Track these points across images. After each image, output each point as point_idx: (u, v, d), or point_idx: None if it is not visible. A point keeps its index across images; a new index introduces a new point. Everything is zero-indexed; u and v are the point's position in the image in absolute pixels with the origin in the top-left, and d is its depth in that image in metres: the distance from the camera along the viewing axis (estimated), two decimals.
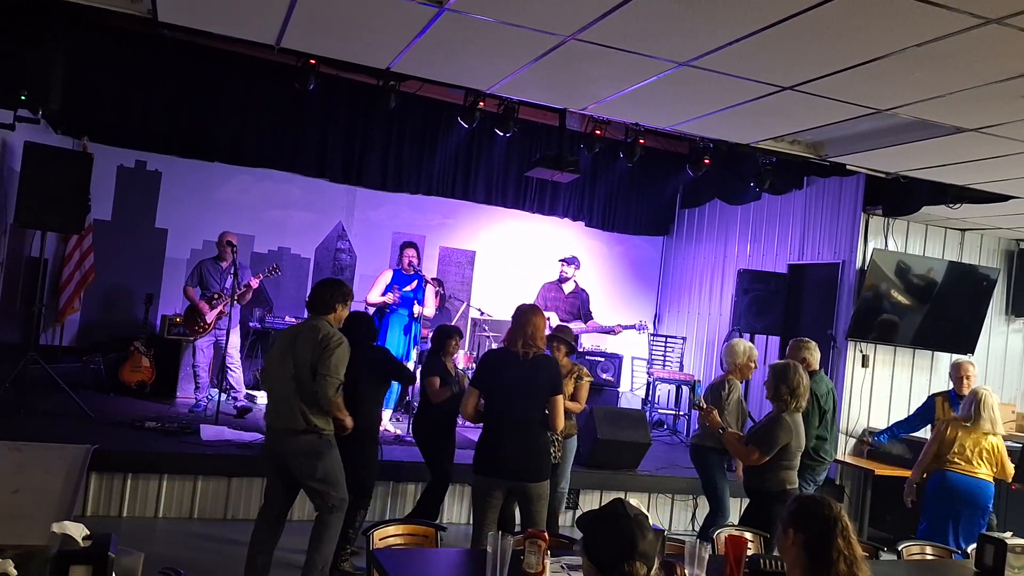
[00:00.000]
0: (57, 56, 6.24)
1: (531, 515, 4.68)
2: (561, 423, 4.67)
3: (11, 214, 6.91)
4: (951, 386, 6.70)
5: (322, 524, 4.60)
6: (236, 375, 8.04)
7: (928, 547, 4.58)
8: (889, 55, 4.06)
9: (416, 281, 8.04)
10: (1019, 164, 5.77)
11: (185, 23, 5.06)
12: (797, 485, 4.85)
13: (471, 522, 5.64)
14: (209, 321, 7.75)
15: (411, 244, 8.18)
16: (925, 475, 5.91)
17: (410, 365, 8.27)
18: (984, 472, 5.68)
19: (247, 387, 8.44)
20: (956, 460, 5.69)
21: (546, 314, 8.64)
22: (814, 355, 5.95)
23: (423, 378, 5.88)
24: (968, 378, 6.47)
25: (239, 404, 7.90)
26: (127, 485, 5.97)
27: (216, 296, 7.77)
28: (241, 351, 8.26)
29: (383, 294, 7.87)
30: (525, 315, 4.66)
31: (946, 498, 5.67)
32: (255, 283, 7.84)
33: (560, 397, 4.63)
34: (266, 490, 4.84)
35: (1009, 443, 7.57)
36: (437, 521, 6.23)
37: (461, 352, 8.01)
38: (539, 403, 4.60)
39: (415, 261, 8.06)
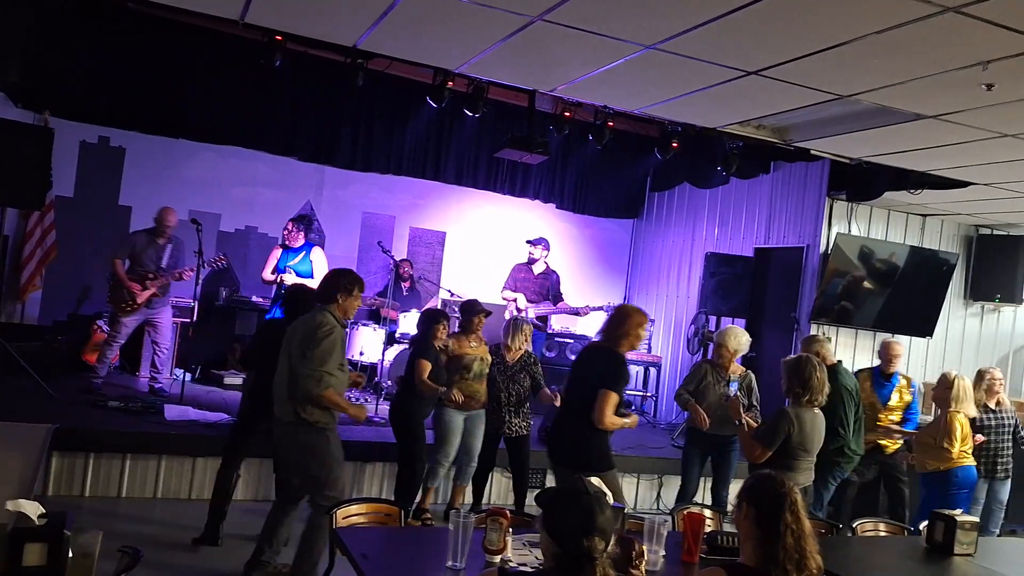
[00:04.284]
0: (18, 28, 6.12)
1: None
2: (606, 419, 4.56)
3: None
4: (876, 364, 6.79)
5: (311, 527, 4.43)
6: (163, 356, 7.74)
7: (882, 523, 4.69)
8: (850, 42, 4.11)
9: (303, 253, 8.09)
10: (977, 151, 5.87)
11: None
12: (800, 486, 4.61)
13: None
14: (140, 302, 7.36)
15: (292, 218, 8.29)
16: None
17: None
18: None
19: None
20: (968, 452, 5.84)
21: (513, 295, 8.75)
22: (827, 348, 5.89)
23: (413, 358, 5.88)
24: (895, 359, 6.56)
25: (157, 386, 7.61)
26: (89, 465, 5.92)
27: (150, 276, 7.37)
28: (173, 331, 7.99)
29: (273, 273, 8.03)
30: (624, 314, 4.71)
31: (966, 491, 5.83)
32: (189, 275, 7.51)
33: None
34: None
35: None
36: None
37: None
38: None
39: (298, 234, 8.13)
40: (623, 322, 4.61)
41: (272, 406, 4.63)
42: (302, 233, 8.23)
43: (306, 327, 4.44)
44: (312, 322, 4.44)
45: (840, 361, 6.11)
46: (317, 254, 8.37)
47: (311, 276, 8.09)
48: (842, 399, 5.69)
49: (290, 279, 8.06)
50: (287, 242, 8.24)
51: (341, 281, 4.57)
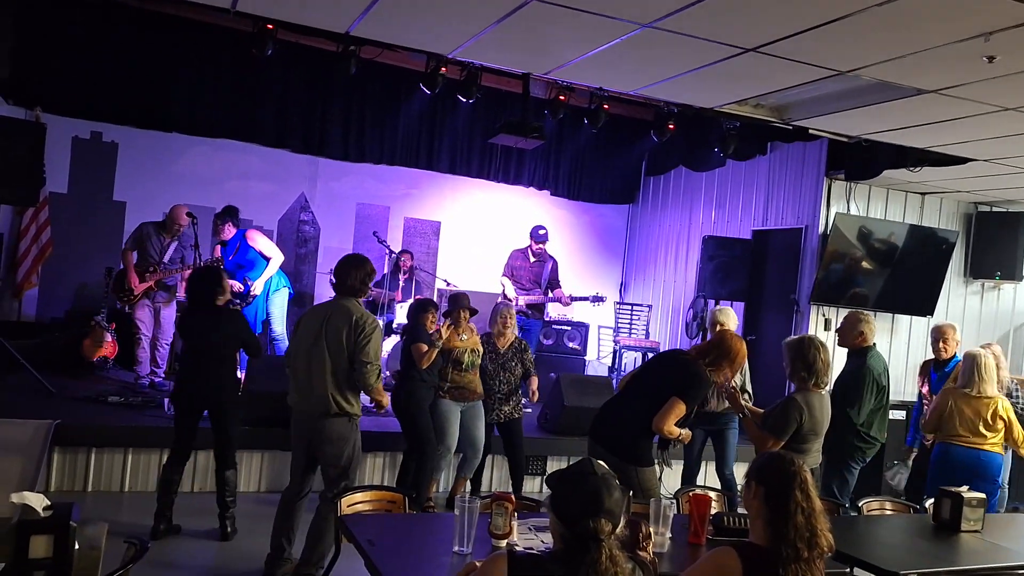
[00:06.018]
0: (7, 23, 6.05)
1: None
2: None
3: None
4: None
5: (320, 518, 4.52)
6: (162, 352, 7.68)
7: (888, 502, 4.68)
8: (850, 15, 4.07)
9: (238, 244, 7.89)
10: (978, 126, 5.84)
11: None
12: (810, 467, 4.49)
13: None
14: (136, 293, 7.31)
15: (217, 213, 8.06)
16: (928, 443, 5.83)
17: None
18: (992, 442, 5.38)
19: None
20: (960, 432, 5.39)
21: (505, 281, 8.75)
22: (871, 328, 5.55)
23: (407, 346, 5.90)
24: (946, 341, 6.28)
25: (157, 380, 7.53)
26: (91, 460, 5.91)
27: (151, 269, 7.33)
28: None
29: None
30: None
31: (949, 472, 5.32)
32: (186, 275, 7.33)
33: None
34: (291, 467, 4.83)
35: None
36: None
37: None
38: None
39: (224, 227, 7.91)
40: (729, 352, 4.44)
41: (201, 398, 5.14)
42: (229, 224, 7.95)
43: (345, 320, 4.49)
44: (349, 315, 4.50)
45: (874, 344, 5.66)
46: (254, 237, 8.02)
47: (263, 260, 7.88)
48: (857, 382, 5.39)
49: (256, 287, 7.82)
50: (222, 238, 7.96)
51: (352, 273, 4.62)
